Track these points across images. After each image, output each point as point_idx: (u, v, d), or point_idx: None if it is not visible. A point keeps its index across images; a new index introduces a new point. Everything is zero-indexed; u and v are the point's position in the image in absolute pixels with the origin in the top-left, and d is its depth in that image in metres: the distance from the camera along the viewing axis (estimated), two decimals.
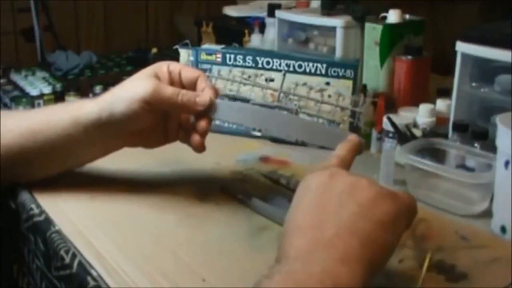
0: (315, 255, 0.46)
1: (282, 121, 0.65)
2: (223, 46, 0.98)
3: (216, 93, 0.69)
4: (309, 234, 0.48)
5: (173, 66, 0.71)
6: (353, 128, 0.87)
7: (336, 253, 0.46)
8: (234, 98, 0.91)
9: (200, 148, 0.68)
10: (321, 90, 0.89)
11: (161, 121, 0.70)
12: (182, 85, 0.70)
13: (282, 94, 0.90)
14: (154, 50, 1.39)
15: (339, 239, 0.47)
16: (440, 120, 0.87)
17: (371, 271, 0.46)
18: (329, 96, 0.89)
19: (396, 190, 0.52)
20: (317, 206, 0.49)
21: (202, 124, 0.68)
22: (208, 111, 0.67)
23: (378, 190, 0.50)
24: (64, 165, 0.72)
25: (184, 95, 0.67)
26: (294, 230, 0.49)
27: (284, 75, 0.89)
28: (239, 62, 0.93)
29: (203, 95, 0.67)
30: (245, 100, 0.90)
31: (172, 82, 0.69)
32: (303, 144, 0.86)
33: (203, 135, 0.68)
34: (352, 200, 0.49)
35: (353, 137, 0.60)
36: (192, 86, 0.70)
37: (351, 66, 0.90)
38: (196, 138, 0.68)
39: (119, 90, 0.68)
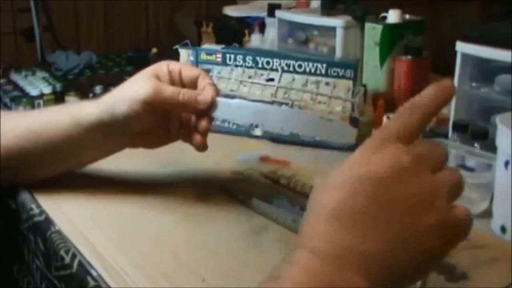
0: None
1: (278, 114, 0.65)
2: (223, 46, 0.98)
3: (217, 90, 0.69)
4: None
5: (173, 65, 0.70)
6: (354, 123, 0.86)
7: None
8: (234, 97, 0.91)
9: (202, 147, 0.68)
10: (317, 82, 0.88)
11: (162, 121, 0.70)
12: (182, 84, 0.70)
13: (280, 91, 0.90)
14: (154, 50, 1.38)
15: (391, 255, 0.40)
16: (440, 120, 0.87)
17: None
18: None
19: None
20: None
21: (203, 123, 0.68)
22: (209, 109, 0.67)
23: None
24: (65, 166, 0.72)
25: (185, 93, 0.66)
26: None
27: (281, 74, 0.89)
28: (239, 62, 0.93)
29: (205, 93, 0.67)
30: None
31: (172, 81, 0.69)
32: (303, 143, 0.86)
33: (205, 134, 0.68)
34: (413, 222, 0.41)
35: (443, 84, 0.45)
36: (193, 84, 0.69)
37: (351, 66, 0.90)
38: (197, 137, 0.68)
39: (119, 91, 0.68)
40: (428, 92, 0.45)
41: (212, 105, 0.67)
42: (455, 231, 0.43)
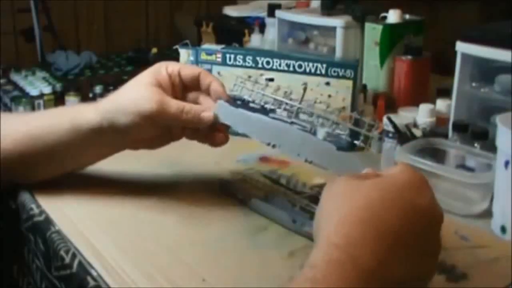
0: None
1: (296, 138, 0.62)
2: (223, 46, 0.98)
3: (222, 85, 0.68)
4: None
5: (172, 67, 0.69)
6: (354, 135, 0.86)
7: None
8: (235, 99, 0.91)
9: (224, 143, 0.68)
10: (317, 82, 0.88)
11: (165, 127, 0.69)
12: (183, 85, 0.69)
13: (280, 91, 0.90)
14: (154, 50, 1.39)
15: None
16: (440, 120, 0.87)
17: None
18: (329, 96, 0.89)
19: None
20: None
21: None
22: (215, 123, 0.66)
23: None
24: (64, 168, 0.72)
25: (189, 112, 0.65)
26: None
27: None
28: (239, 62, 0.93)
29: (208, 111, 0.66)
30: (247, 102, 0.90)
31: (173, 85, 0.68)
32: None
33: (224, 130, 0.68)
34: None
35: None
36: (194, 82, 0.68)
37: (351, 66, 0.89)
38: (220, 135, 0.68)
39: (121, 100, 0.67)
40: None
41: (217, 119, 0.66)
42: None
